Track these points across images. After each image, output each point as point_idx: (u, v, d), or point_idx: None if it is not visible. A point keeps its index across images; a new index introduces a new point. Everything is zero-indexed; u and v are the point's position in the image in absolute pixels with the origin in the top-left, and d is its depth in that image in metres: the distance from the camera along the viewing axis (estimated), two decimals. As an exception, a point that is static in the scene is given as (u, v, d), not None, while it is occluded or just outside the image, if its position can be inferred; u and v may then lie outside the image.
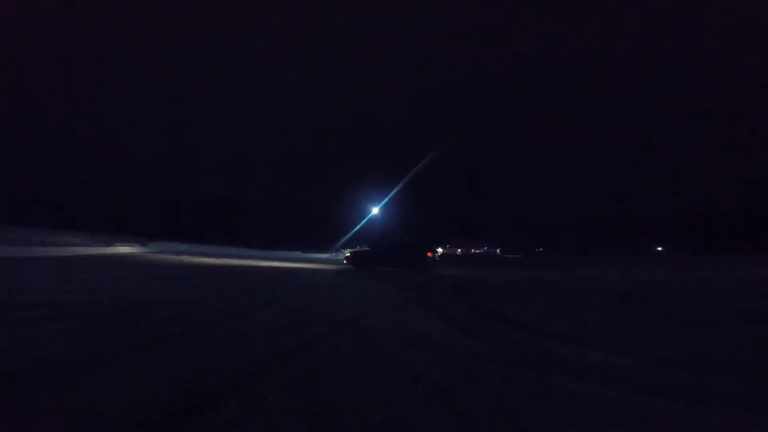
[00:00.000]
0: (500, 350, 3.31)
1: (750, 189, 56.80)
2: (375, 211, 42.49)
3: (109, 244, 18.86)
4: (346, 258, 15.23)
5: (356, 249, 16.64)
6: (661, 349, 3.41)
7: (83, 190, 48.32)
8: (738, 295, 7.54)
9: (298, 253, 31.66)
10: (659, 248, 63.24)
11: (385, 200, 43.24)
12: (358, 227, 44.93)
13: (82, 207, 45.88)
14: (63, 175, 47.58)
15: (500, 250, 63.11)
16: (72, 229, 29.63)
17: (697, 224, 61.91)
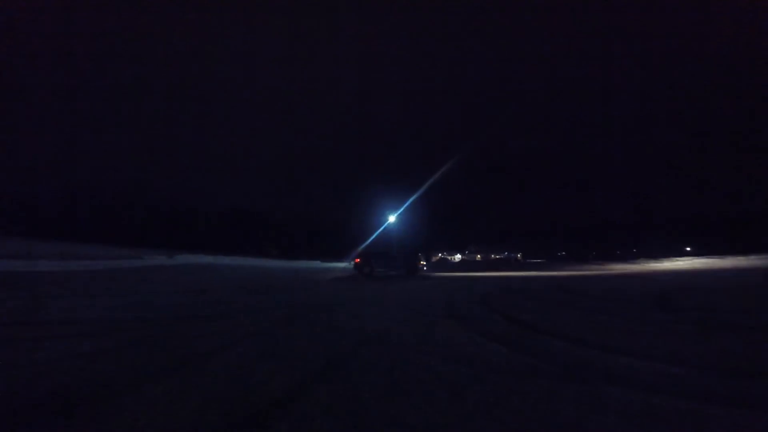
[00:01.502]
0: (543, 363, 3.22)
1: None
2: (392, 219, 42.48)
3: (139, 257, 19.44)
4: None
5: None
6: (709, 356, 3.26)
7: (100, 202, 49.90)
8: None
9: (317, 262, 31.89)
10: (688, 249, 61.10)
11: (402, 208, 43.24)
12: (374, 235, 44.99)
13: (101, 220, 47.34)
14: (80, 188, 49.28)
15: (521, 255, 61.96)
16: (90, 242, 30.50)
17: (727, 224, 59.64)
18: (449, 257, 60.02)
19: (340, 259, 36.37)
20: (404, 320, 5.14)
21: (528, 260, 54.87)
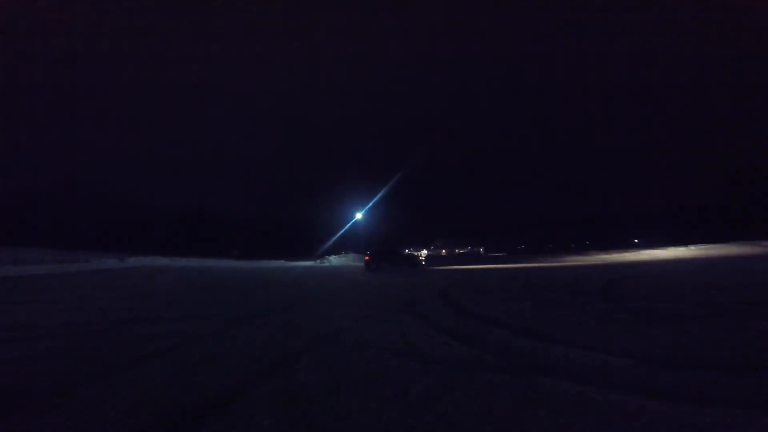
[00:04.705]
0: (487, 354, 3.34)
1: (722, 181, 59.23)
2: (359, 216, 42.39)
3: (88, 261, 18.29)
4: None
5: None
6: (642, 346, 3.49)
7: (52, 202, 46.42)
8: (709, 287, 7.82)
9: (281, 262, 31.25)
10: (636, 240, 65.32)
11: (369, 205, 43.26)
12: (340, 232, 44.76)
13: (53, 221, 44.08)
14: (30, 188, 45.63)
15: (483, 249, 63.90)
16: (42, 245, 28.36)
17: (672, 216, 64.13)
18: (415, 253, 60.50)
19: (305, 258, 35.81)
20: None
21: (489, 254, 56.74)
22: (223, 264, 25.04)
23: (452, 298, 7.08)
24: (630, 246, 61.23)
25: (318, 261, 32.83)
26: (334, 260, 32.28)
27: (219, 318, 5.44)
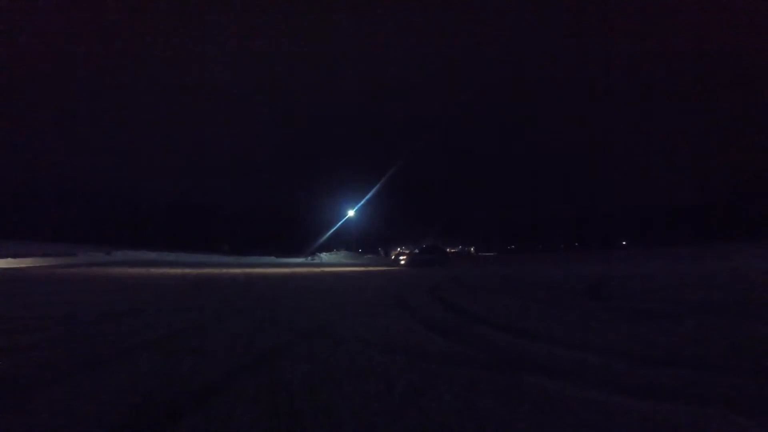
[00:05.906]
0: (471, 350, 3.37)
1: (711, 182, 60.06)
2: (351, 213, 42.30)
3: (74, 254, 18.03)
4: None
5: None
6: (625, 343, 3.55)
7: (36, 195, 45.64)
8: (695, 287, 7.97)
9: (272, 258, 31.08)
10: (623, 242, 66.21)
11: (362, 202, 43.19)
12: (333, 229, 44.66)
13: (37, 214, 43.31)
14: (12, 180, 44.73)
15: (474, 249, 64.31)
16: (27, 239, 27.91)
17: (661, 218, 64.84)
18: (407, 251, 60.25)
19: (296, 255, 35.66)
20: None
21: (480, 254, 57.17)
22: (213, 259, 24.85)
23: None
24: (618, 246, 62.09)
25: (309, 258, 32.75)
26: (325, 257, 32.22)
27: (209, 311, 5.41)
